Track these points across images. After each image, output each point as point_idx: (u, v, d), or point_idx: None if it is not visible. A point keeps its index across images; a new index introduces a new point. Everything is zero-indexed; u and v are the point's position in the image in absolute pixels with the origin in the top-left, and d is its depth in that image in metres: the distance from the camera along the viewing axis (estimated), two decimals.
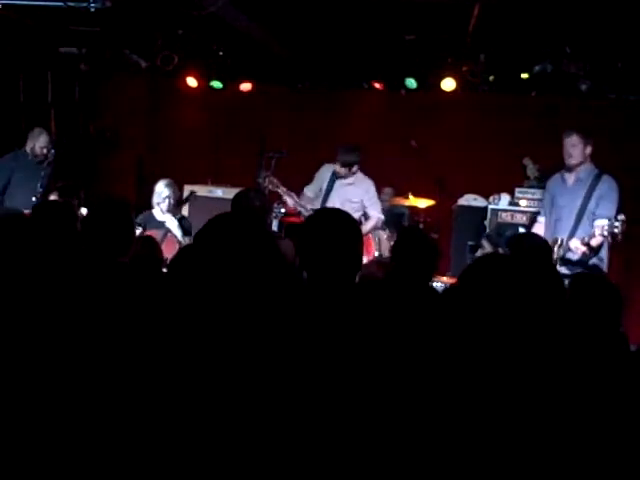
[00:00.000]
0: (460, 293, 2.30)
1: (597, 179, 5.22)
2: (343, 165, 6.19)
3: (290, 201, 6.17)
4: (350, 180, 6.27)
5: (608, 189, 5.19)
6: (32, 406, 2.27)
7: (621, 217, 4.70)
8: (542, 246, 3.84)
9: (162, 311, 2.32)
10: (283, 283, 2.28)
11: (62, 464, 2.15)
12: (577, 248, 4.96)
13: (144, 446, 1.99)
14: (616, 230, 4.63)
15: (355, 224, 2.62)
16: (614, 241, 4.82)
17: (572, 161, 5.26)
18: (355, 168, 6.22)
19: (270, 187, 5.98)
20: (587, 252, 4.96)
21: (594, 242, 4.90)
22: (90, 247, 3.06)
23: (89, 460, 2.11)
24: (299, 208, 6.23)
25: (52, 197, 6.20)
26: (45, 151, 6.51)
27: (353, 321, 2.25)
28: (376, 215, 6.31)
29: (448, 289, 2.41)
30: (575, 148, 5.22)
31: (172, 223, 5.59)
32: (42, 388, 2.32)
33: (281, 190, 6.11)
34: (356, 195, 6.26)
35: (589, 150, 5.26)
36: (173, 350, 2.06)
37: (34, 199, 6.05)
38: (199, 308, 2.08)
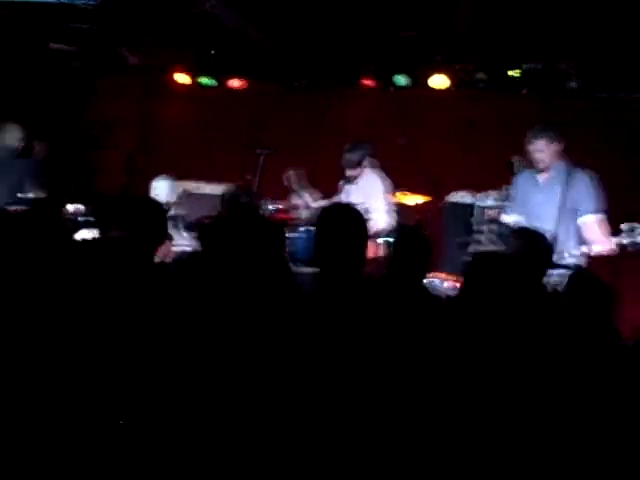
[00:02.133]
0: (470, 292, 2.32)
1: (570, 175, 4.95)
2: (347, 166, 5.66)
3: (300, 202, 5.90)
4: (356, 181, 5.75)
5: (584, 185, 4.93)
6: (34, 404, 2.26)
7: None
8: (550, 244, 3.83)
9: (167, 308, 2.32)
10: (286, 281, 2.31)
11: (62, 458, 2.15)
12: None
13: (144, 443, 2.00)
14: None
15: (360, 221, 2.60)
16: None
17: (541, 166, 5.00)
18: (365, 163, 5.70)
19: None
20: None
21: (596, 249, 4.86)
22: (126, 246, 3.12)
23: (89, 454, 2.11)
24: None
25: (32, 194, 6.05)
26: (18, 144, 6.37)
27: (355, 320, 2.27)
28: (374, 226, 5.28)
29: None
30: (541, 153, 4.97)
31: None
32: (42, 386, 2.32)
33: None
34: (358, 197, 5.47)
35: (558, 147, 4.98)
36: (176, 348, 2.06)
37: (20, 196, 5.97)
38: (205, 303, 2.10)
